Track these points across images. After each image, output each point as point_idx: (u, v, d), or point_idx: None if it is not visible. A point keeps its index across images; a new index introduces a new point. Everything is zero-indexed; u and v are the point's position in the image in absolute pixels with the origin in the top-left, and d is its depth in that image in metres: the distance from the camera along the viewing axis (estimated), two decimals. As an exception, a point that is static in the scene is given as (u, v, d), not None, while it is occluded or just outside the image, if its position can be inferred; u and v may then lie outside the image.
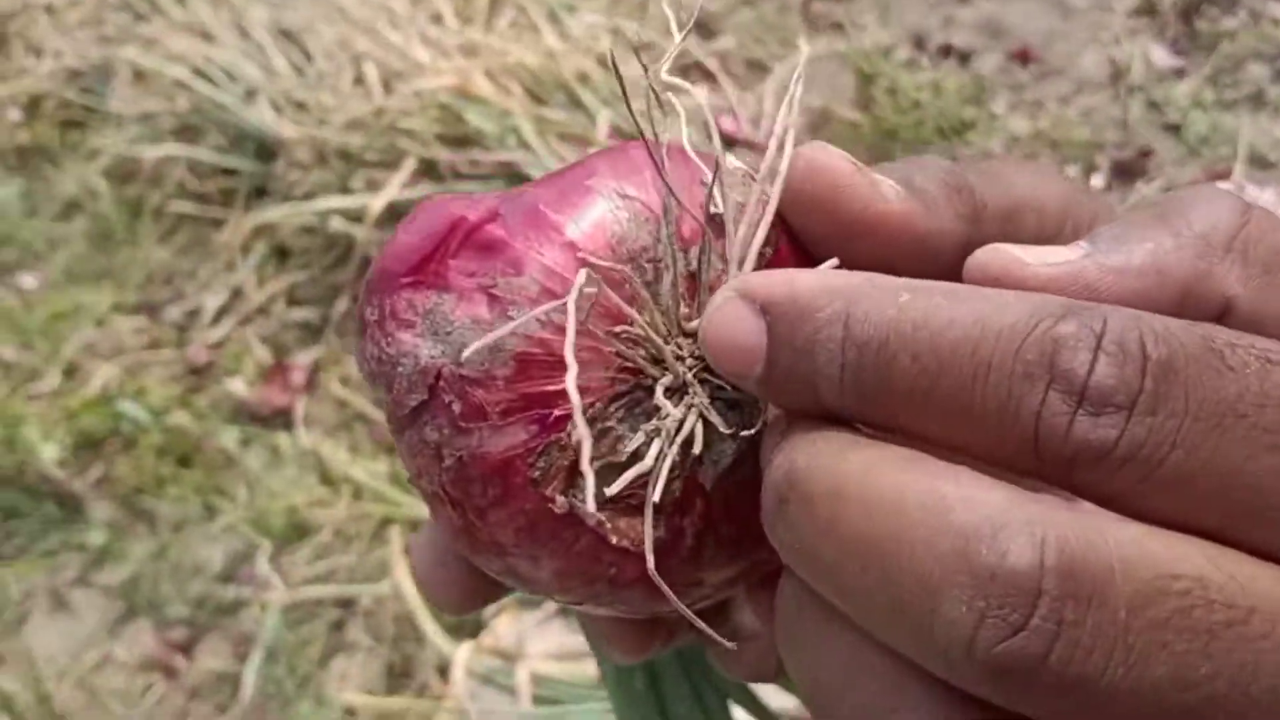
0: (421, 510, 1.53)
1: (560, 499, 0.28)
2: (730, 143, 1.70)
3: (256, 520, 1.61)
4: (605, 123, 1.61)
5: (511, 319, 0.28)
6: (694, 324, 0.28)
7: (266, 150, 1.97)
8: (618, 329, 0.28)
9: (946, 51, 2.08)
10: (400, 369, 0.29)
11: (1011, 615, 0.21)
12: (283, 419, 1.75)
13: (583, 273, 0.26)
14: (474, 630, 1.41)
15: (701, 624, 0.28)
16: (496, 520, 0.29)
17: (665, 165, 0.30)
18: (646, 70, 0.30)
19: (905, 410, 0.24)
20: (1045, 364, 0.22)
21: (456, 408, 0.28)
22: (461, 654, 1.35)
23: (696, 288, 0.29)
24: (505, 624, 1.39)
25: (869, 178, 0.29)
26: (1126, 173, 1.93)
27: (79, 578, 1.64)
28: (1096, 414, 0.22)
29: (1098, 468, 0.22)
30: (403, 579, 1.45)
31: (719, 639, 0.29)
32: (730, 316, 0.26)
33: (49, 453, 1.71)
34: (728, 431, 0.28)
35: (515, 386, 0.28)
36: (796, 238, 0.31)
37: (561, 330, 0.28)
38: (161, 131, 2.11)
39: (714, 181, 0.30)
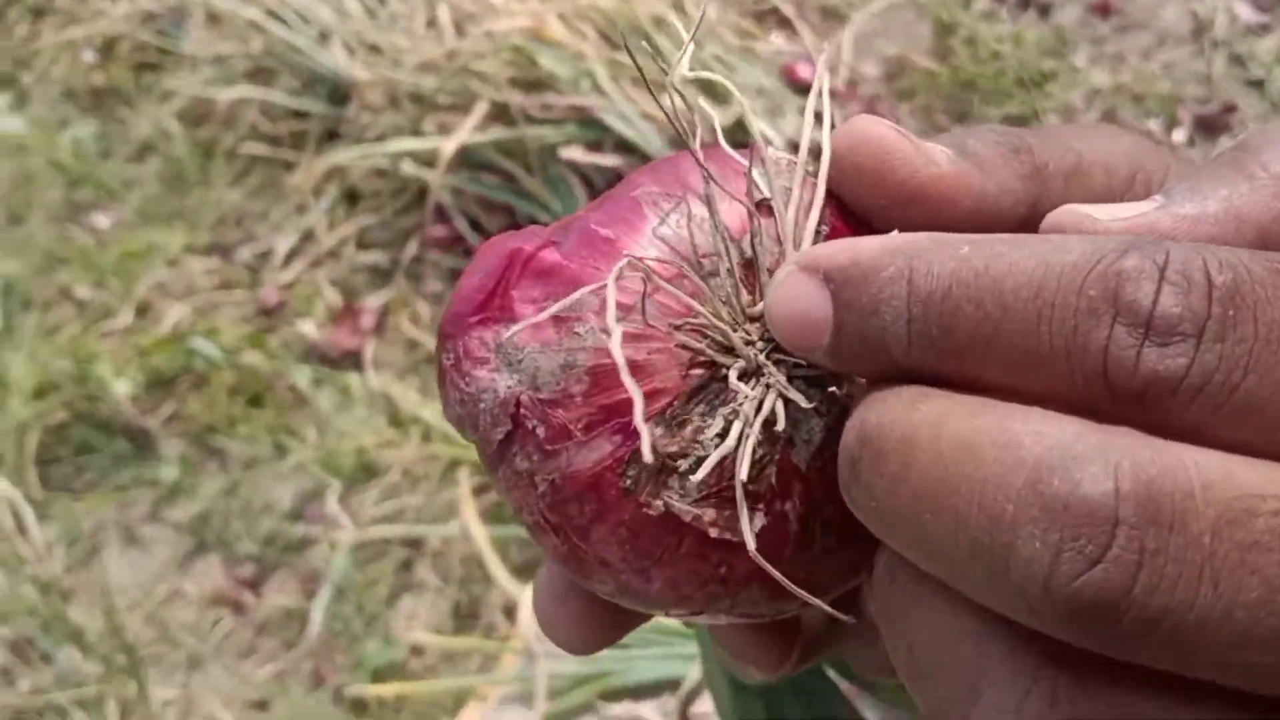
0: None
1: (656, 502, 0.28)
2: (806, 90, 1.68)
3: (326, 460, 1.63)
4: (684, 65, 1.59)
5: (577, 334, 0.28)
6: (758, 308, 0.28)
7: (339, 93, 1.97)
8: (680, 322, 0.28)
9: (1026, 3, 2.04)
10: (482, 405, 0.29)
11: (1088, 547, 0.20)
12: (352, 361, 1.76)
13: (625, 258, 0.27)
14: (541, 573, 1.41)
15: (817, 601, 0.28)
16: (599, 537, 0.29)
17: (702, 159, 0.30)
18: (666, 72, 0.31)
19: (974, 359, 0.23)
20: (1109, 298, 0.22)
21: (541, 432, 0.28)
22: (529, 595, 1.35)
23: (755, 273, 0.29)
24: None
25: (916, 144, 0.29)
26: (1209, 128, 1.88)
27: (150, 513, 1.66)
28: (1164, 344, 0.21)
29: (1170, 400, 0.21)
30: (471, 520, 1.45)
31: (839, 615, 0.28)
32: (793, 290, 0.26)
33: (122, 389, 1.73)
34: (810, 406, 0.28)
35: (593, 400, 0.28)
36: (850, 214, 0.30)
37: (631, 338, 0.28)
38: (235, 74, 2.12)
39: (751, 165, 0.30)
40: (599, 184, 1.67)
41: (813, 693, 0.50)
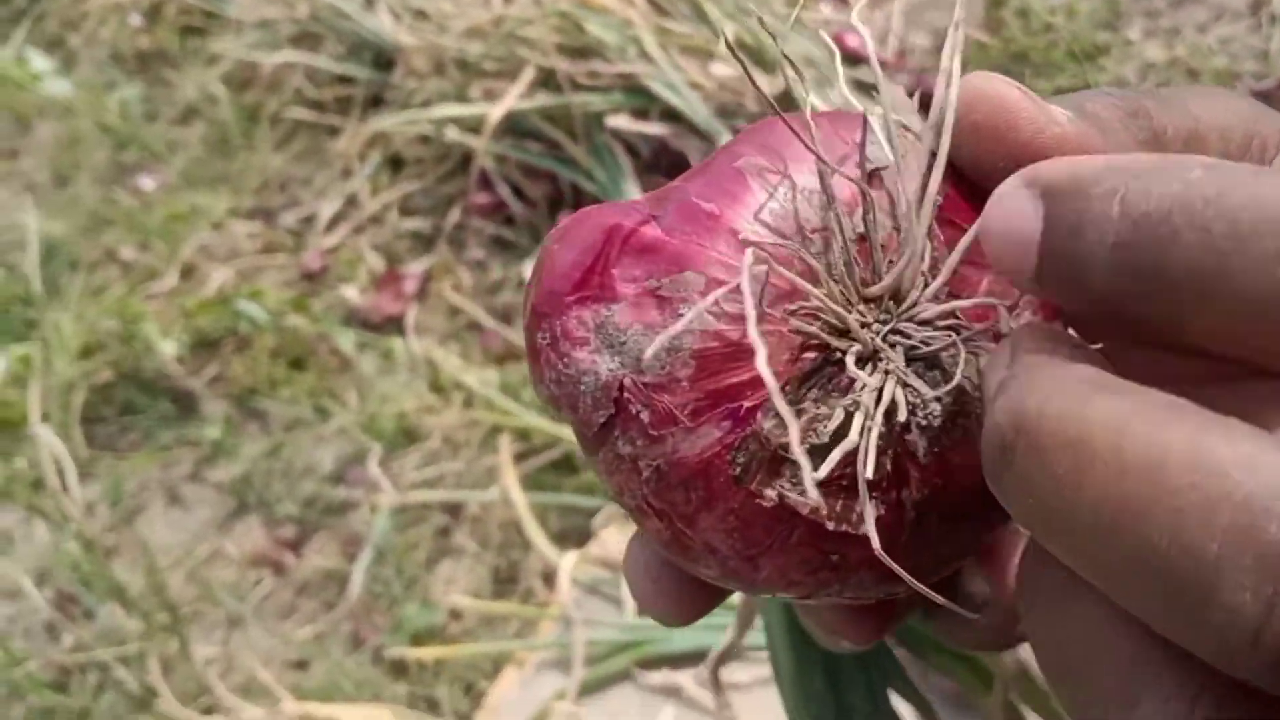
0: (531, 420, 1.53)
1: (769, 492, 0.27)
2: (855, 60, 1.66)
3: (367, 424, 1.63)
4: (730, 34, 1.57)
5: (683, 316, 0.27)
6: (875, 289, 0.27)
7: (384, 58, 1.96)
8: (794, 306, 0.27)
9: (1080, -24, 2.01)
10: (582, 387, 0.28)
11: None
12: (394, 326, 1.76)
13: (749, 251, 0.25)
14: (581, 540, 1.41)
15: (940, 599, 0.27)
16: (706, 525, 0.28)
17: (813, 129, 0.28)
18: (776, 39, 0.29)
19: (1185, 299, 0.21)
20: None
21: (645, 417, 0.27)
22: (568, 562, 1.36)
23: (869, 250, 0.27)
24: (613, 535, 1.39)
25: (1038, 103, 0.27)
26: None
27: (193, 473, 1.68)
28: None
29: None
30: (511, 486, 1.45)
31: (960, 609, 0.28)
32: (1010, 205, 0.24)
33: (168, 349, 1.74)
34: (931, 394, 0.27)
35: (700, 385, 0.27)
36: (962, 177, 0.29)
37: (737, 319, 0.27)
38: (280, 38, 2.12)
39: (863, 140, 0.28)
40: (644, 153, 1.66)
41: (873, 663, 0.50)
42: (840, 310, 0.27)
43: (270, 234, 1.94)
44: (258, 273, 1.88)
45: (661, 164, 1.67)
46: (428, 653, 1.37)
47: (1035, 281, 0.24)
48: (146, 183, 2.06)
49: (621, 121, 1.63)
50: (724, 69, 1.59)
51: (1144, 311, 0.22)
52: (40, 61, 2.26)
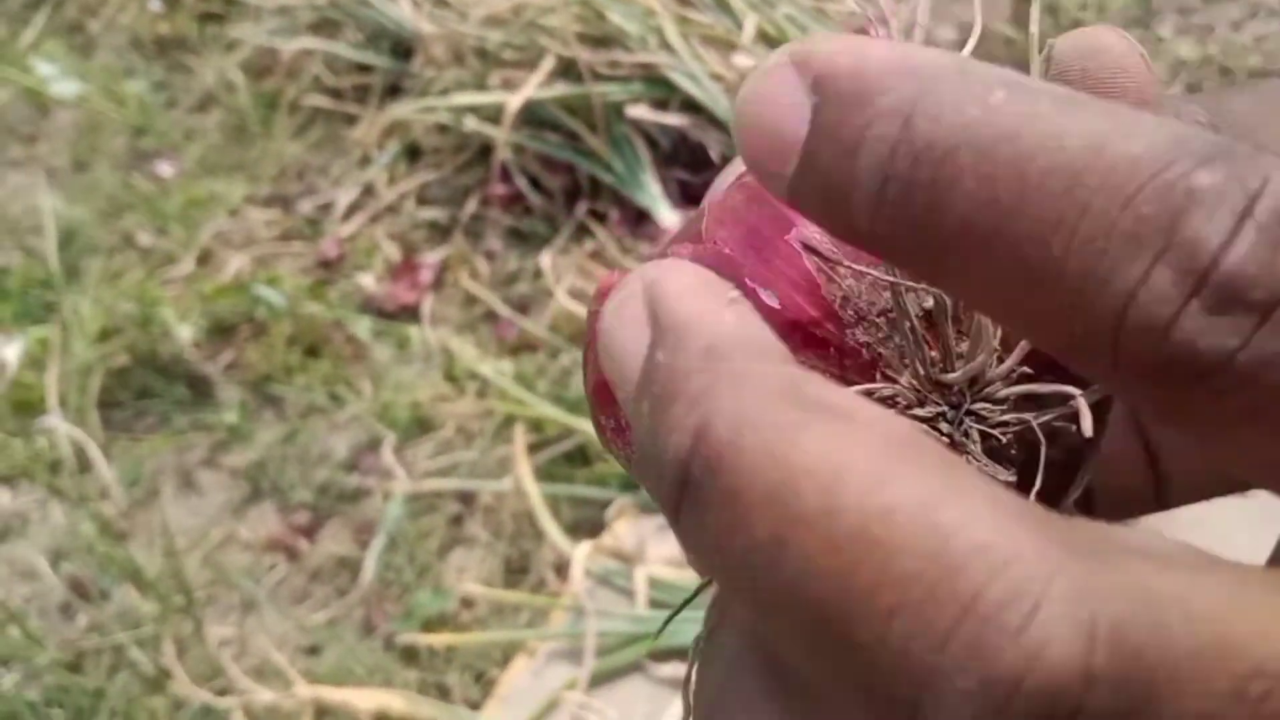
0: (545, 411, 1.53)
1: None
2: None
3: (381, 412, 1.63)
4: (752, 27, 1.57)
5: None
6: (950, 378, 0.25)
7: (403, 46, 1.96)
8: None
9: (1106, -28, 1.99)
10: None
11: None
12: (409, 315, 1.76)
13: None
14: (593, 531, 1.41)
15: None
16: None
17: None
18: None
19: (952, 255, 0.17)
20: (1165, 223, 0.16)
21: None
22: (580, 553, 1.36)
23: (936, 328, 0.26)
24: (625, 527, 1.39)
25: (1150, 64, 0.24)
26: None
27: (208, 458, 1.68)
28: (1217, 311, 0.15)
29: (1197, 387, 0.16)
30: (524, 477, 1.45)
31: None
32: (772, 90, 0.19)
33: (185, 334, 1.75)
34: (1007, 477, 0.25)
35: None
36: None
37: None
38: (299, 25, 2.12)
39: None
40: (664, 144, 1.65)
41: None
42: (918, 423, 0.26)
43: (287, 221, 1.94)
44: (274, 260, 1.89)
45: (681, 156, 1.66)
46: (439, 640, 1.38)
47: (790, 192, 0.20)
48: (164, 169, 2.07)
49: (641, 112, 1.63)
50: (746, 60, 1.58)
51: (900, 256, 0.19)
52: (45, 67, 2.25)
